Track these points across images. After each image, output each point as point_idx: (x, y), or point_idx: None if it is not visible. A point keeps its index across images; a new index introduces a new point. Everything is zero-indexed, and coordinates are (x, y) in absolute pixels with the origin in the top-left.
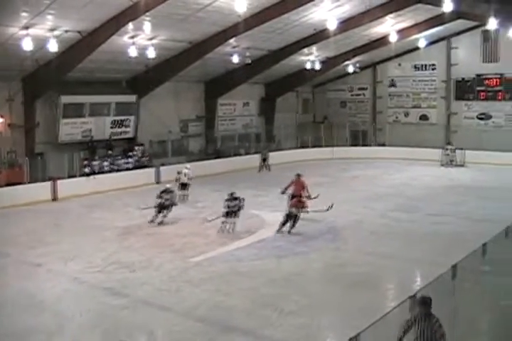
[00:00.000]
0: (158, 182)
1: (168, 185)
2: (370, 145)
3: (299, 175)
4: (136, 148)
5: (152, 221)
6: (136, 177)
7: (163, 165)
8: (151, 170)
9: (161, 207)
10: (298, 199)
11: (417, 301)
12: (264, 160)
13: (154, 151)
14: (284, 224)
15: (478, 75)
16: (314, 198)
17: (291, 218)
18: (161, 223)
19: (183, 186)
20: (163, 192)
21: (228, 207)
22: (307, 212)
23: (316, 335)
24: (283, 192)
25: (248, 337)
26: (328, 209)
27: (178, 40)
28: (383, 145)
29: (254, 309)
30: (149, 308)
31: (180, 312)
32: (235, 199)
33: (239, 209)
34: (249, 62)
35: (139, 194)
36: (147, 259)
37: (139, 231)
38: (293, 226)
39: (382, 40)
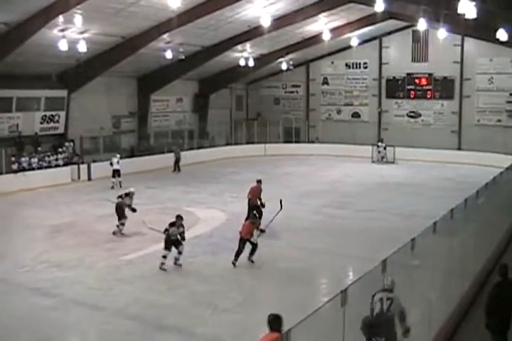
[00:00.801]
0: (89, 179)
1: (132, 189)
2: (314, 142)
3: (259, 181)
4: (67, 144)
5: (115, 233)
6: (66, 173)
7: (94, 161)
8: (83, 167)
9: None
10: (250, 222)
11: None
12: (177, 160)
13: (85, 147)
14: (239, 253)
15: (409, 74)
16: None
17: (253, 245)
18: (115, 233)
19: (116, 172)
20: (127, 195)
21: (170, 234)
22: (263, 231)
23: (249, 331)
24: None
25: (182, 335)
26: (281, 208)
27: (111, 35)
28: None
29: (188, 307)
30: (81, 308)
31: (112, 311)
32: (182, 226)
33: (183, 238)
34: (183, 58)
35: (69, 191)
36: (78, 258)
37: (70, 229)
38: (253, 253)
39: (315, 38)
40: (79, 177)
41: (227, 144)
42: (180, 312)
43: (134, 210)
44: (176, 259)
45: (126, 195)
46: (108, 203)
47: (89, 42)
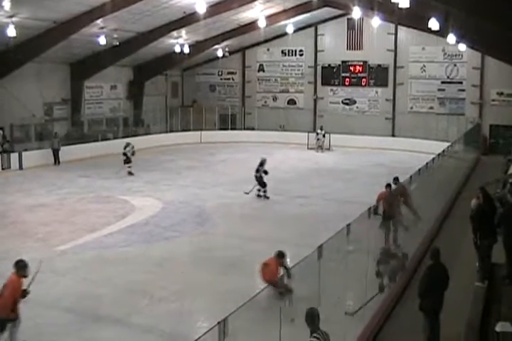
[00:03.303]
0: (21, 168)
1: (264, 156)
2: (279, 130)
3: (389, 186)
4: None
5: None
6: None
7: (26, 150)
8: (13, 156)
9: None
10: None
11: None
12: (55, 152)
13: (16, 136)
14: None
15: (344, 62)
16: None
17: None
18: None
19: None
20: (261, 165)
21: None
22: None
23: (186, 320)
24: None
25: (118, 325)
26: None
27: (42, 19)
28: (252, 129)
29: (123, 297)
30: None
31: (45, 303)
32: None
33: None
34: (117, 44)
35: (0, 180)
36: (9, 250)
37: (0, 220)
38: None
39: (251, 25)
40: (9, 166)
41: (164, 132)
42: (115, 303)
43: (266, 173)
44: None
45: (261, 164)
46: (41, 192)
47: (18, 26)
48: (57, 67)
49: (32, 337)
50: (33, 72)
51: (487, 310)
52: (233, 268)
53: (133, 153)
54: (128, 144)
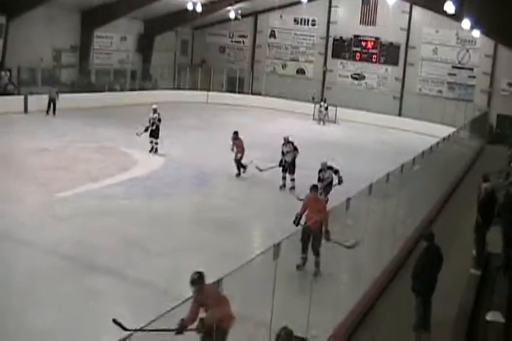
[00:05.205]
0: (26, 112)
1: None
2: (312, 101)
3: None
4: (3, 73)
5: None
6: (1, 104)
7: (31, 93)
8: (19, 98)
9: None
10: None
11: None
12: (52, 101)
13: (23, 78)
14: None
15: (356, 36)
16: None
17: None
18: None
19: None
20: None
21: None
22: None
23: (180, 277)
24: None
25: (113, 276)
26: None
27: None
28: (259, 94)
29: (119, 248)
30: (9, 242)
31: (43, 248)
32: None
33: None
34: None
35: (4, 122)
36: (8, 191)
37: (0, 161)
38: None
39: None
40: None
41: (171, 88)
42: (112, 254)
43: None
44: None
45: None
46: (45, 137)
47: None
48: (68, 14)
49: (28, 280)
50: (44, 16)
51: (479, 298)
52: (230, 229)
53: (159, 120)
54: (154, 110)
